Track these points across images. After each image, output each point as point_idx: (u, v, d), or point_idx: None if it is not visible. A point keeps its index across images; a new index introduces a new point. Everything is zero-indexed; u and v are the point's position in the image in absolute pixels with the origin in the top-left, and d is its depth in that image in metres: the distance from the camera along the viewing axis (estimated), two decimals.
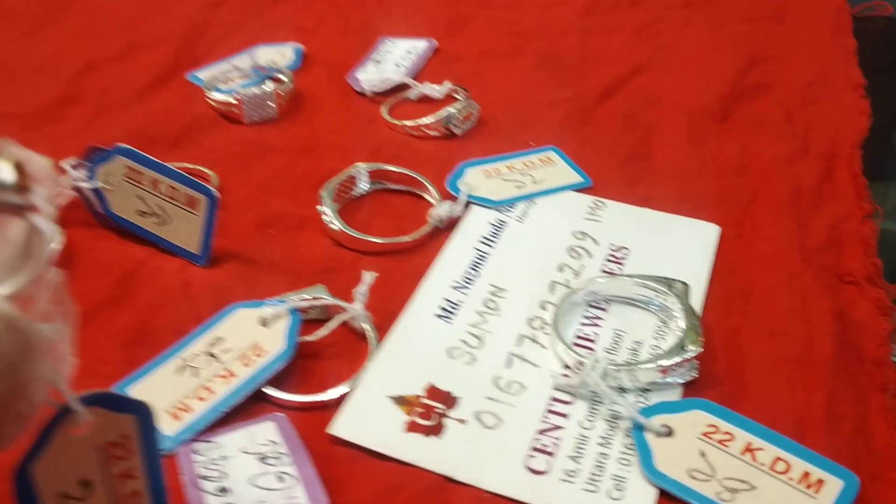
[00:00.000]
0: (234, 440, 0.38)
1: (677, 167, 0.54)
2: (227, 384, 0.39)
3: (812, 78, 0.62)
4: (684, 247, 0.48)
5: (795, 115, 0.58)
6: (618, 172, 0.53)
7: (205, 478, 0.36)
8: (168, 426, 0.38)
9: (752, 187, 0.52)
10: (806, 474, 0.35)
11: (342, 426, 0.38)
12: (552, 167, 0.54)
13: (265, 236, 0.48)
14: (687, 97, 0.60)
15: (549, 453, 0.37)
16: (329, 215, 0.48)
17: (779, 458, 0.36)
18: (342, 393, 0.39)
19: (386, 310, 0.44)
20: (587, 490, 0.35)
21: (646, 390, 0.40)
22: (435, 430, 0.38)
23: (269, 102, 0.58)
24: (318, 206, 0.48)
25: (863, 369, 0.40)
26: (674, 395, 0.39)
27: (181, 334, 0.42)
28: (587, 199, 0.51)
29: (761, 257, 0.46)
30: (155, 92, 0.62)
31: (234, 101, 0.58)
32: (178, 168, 0.47)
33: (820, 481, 0.35)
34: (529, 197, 0.51)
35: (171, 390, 0.39)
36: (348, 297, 0.43)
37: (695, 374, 0.40)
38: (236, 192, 0.51)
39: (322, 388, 0.40)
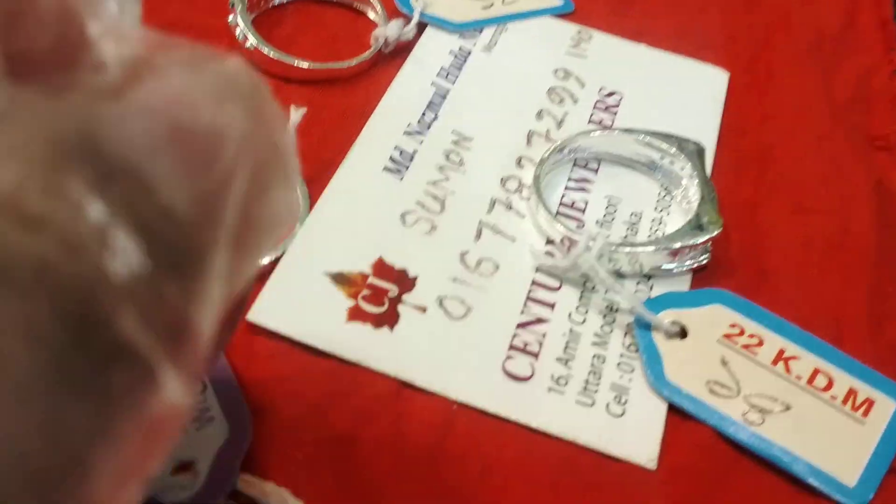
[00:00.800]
0: None
1: None
2: None
3: None
4: (687, 95, 0.39)
5: None
6: None
7: None
8: None
9: (763, 26, 0.43)
10: (852, 392, 0.28)
11: (264, 311, 0.29)
12: None
13: None
14: None
15: (533, 353, 0.29)
16: (242, 28, 0.36)
17: (818, 371, 0.29)
18: (263, 266, 0.30)
19: (318, 158, 0.34)
20: (581, 403, 0.28)
21: (648, 277, 0.32)
22: (387, 320, 0.29)
23: None
24: (230, 17, 0.37)
25: None
26: (682, 286, 0.32)
27: None
28: (569, 29, 0.41)
29: (781, 112, 0.38)
30: None
31: None
32: None
33: (868, 401, 0.28)
34: (499, 21, 0.41)
35: None
36: None
37: (707, 260, 0.32)
38: None
39: None
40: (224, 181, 0.15)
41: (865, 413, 0.28)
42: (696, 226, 0.31)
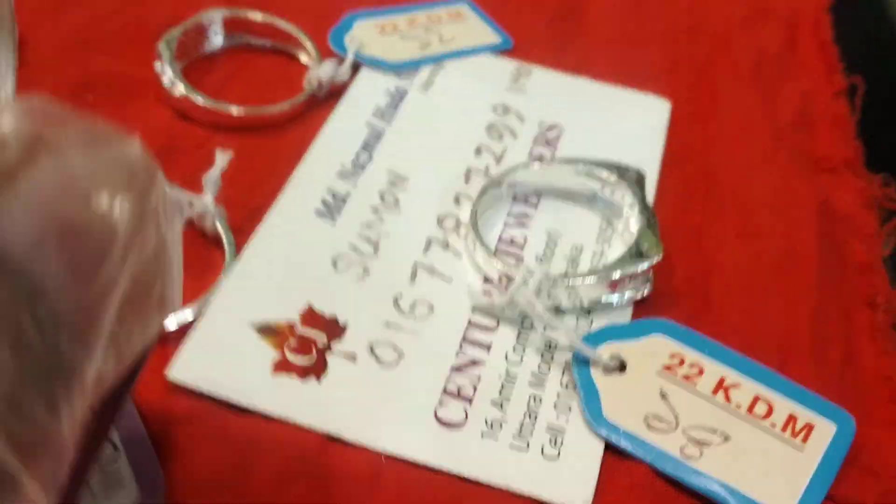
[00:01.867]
0: None
1: (616, 28, 0.44)
2: None
3: None
4: (629, 126, 0.38)
5: None
6: (544, 32, 0.43)
7: None
8: None
9: (704, 54, 0.42)
10: (791, 418, 0.27)
11: (185, 368, 0.27)
12: (463, 23, 0.43)
13: (82, 103, 0.36)
14: None
15: (466, 398, 0.28)
16: (170, 76, 0.36)
17: (758, 398, 0.28)
18: (186, 321, 0.29)
19: (247, 205, 0.33)
20: (515, 447, 0.27)
21: (588, 311, 0.31)
22: (314, 371, 0.28)
23: None
24: (156, 63, 0.36)
25: (846, 277, 0.32)
26: (624, 318, 0.31)
27: None
28: (508, 65, 0.41)
29: (723, 137, 0.37)
30: None
31: None
32: None
33: (808, 426, 0.27)
34: (436, 60, 0.40)
35: None
36: (196, 187, 0.32)
37: (648, 290, 0.31)
38: (43, 46, 0.38)
39: None
40: (108, 286, 0.14)
41: (805, 439, 0.27)
42: (636, 253, 0.31)
